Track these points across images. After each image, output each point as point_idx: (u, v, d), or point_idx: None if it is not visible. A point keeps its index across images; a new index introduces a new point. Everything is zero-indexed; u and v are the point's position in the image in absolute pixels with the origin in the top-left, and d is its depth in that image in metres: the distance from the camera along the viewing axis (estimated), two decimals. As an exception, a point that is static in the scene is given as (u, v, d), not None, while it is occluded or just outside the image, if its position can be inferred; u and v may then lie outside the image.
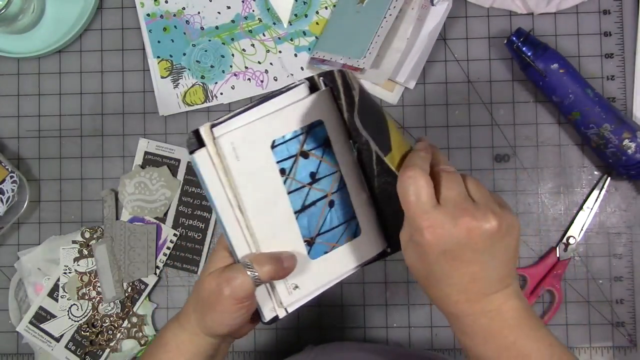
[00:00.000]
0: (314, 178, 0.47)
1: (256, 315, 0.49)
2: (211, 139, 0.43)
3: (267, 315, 0.47)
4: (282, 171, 0.45)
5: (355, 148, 0.49)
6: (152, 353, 0.49)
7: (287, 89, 0.46)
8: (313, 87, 0.47)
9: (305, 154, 0.46)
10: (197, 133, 0.44)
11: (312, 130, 0.46)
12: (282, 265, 0.44)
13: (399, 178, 0.42)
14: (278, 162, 0.45)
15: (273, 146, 0.45)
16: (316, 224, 0.47)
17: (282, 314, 0.47)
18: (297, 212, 0.46)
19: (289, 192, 0.46)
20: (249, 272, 0.43)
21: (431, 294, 0.43)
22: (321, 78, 0.47)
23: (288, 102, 0.46)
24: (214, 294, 0.44)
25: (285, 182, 0.46)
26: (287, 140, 0.45)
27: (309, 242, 0.47)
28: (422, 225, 0.40)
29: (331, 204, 0.48)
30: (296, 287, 0.46)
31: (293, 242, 0.46)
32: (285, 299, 0.46)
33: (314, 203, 0.47)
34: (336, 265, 0.48)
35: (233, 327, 0.46)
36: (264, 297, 0.47)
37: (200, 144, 0.44)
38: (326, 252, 0.48)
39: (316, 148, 0.47)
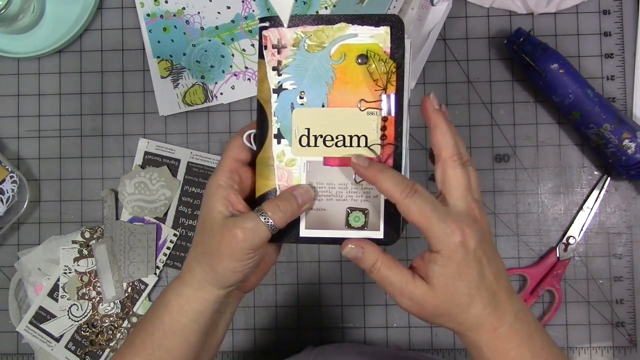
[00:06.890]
0: None
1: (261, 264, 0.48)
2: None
3: None
4: None
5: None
6: (154, 315, 0.46)
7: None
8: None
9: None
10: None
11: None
12: (296, 204, 0.43)
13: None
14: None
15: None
16: None
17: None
18: None
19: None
20: (262, 220, 0.42)
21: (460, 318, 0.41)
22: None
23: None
24: (225, 244, 0.42)
25: None
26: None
27: None
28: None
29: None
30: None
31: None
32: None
33: None
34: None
35: (245, 275, 0.44)
36: None
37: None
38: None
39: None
